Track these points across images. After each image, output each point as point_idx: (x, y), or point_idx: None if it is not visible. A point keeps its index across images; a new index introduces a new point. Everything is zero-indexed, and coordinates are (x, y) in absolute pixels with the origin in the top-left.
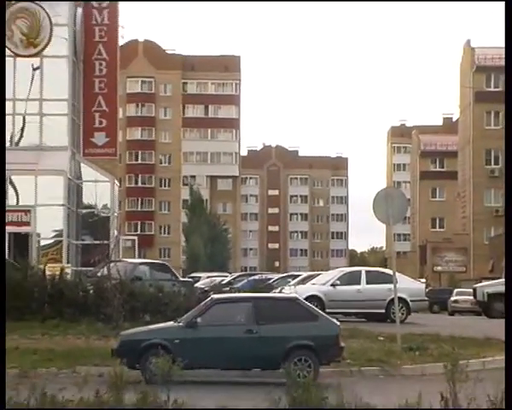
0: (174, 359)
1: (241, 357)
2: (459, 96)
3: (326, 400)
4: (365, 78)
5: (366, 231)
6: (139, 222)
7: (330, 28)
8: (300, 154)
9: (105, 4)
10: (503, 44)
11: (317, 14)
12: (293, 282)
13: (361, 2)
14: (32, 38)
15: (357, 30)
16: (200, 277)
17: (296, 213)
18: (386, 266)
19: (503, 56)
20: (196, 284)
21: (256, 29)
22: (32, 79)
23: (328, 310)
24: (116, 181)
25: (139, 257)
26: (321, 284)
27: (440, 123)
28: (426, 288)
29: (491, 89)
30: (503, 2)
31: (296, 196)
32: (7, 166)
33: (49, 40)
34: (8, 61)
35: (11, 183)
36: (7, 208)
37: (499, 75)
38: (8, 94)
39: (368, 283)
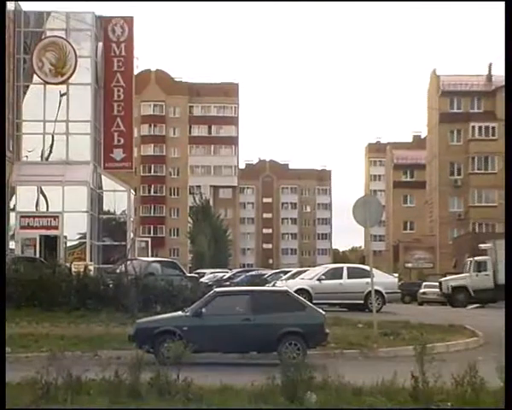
0: (183, 343)
1: (240, 342)
2: (427, 116)
3: (314, 379)
4: (346, 101)
5: (347, 233)
6: (152, 226)
7: (312, 61)
8: (290, 167)
9: (122, 39)
10: (464, 72)
11: (298, 49)
12: (284, 277)
13: (340, 32)
14: (60, 68)
15: (338, 60)
16: (204, 273)
17: (287, 218)
18: (364, 263)
19: (465, 82)
20: (201, 279)
21: (252, 61)
22: (60, 103)
23: (314, 301)
24: (132, 191)
25: (152, 256)
26: (308, 278)
27: (411, 140)
28: (398, 282)
29: (455, 110)
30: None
31: (287, 203)
32: (39, 179)
33: (74, 70)
34: (39, 87)
35: (42, 192)
36: (38, 214)
37: (461, 99)
38: (39, 116)
39: (349, 277)
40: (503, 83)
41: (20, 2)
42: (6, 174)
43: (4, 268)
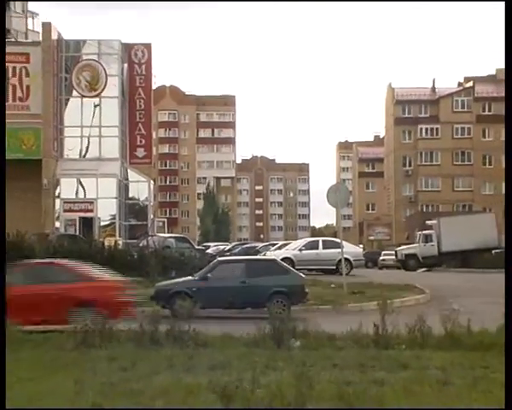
0: (193, 301)
1: (237, 300)
2: (384, 120)
3: (296, 328)
4: (321, 109)
5: (322, 213)
6: (167, 209)
7: (293, 79)
8: (277, 161)
9: (143, 61)
10: (414, 85)
11: (282, 69)
12: (272, 248)
13: (315, 55)
14: (94, 85)
15: (314, 78)
16: (209, 245)
17: (274, 202)
18: (335, 237)
19: (414, 93)
20: (207, 251)
21: (245, 79)
22: (94, 112)
23: (296, 267)
24: (151, 181)
25: (167, 233)
26: (292, 249)
27: (372, 139)
28: (363, 251)
29: (406, 115)
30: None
31: (274, 190)
32: (78, 172)
33: (105, 86)
34: (77, 100)
35: (80, 183)
36: (78, 200)
37: (411, 106)
38: (77, 122)
39: (323, 248)
40: (445, 93)
41: (61, 32)
42: (50, 170)
43: (4, 268)
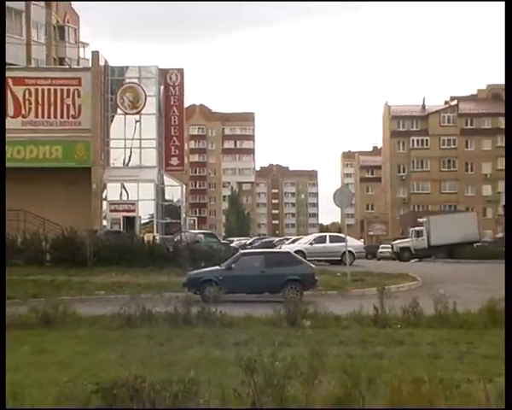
0: (219, 288)
1: (257, 286)
2: (382, 133)
3: (307, 310)
4: (328, 124)
5: (329, 212)
6: (197, 209)
7: (304, 97)
8: (290, 168)
9: (176, 83)
10: (408, 103)
11: (294, 90)
12: (287, 242)
13: (322, 76)
14: (135, 104)
15: (322, 96)
16: (233, 240)
17: (288, 203)
18: (340, 232)
19: (407, 110)
20: (231, 245)
21: (263, 99)
22: (135, 127)
23: (307, 258)
24: (184, 185)
25: (197, 229)
26: (303, 243)
27: (371, 149)
28: (363, 245)
29: (400, 129)
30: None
31: (288, 192)
32: (122, 178)
33: (144, 105)
34: (121, 117)
35: (123, 187)
36: (122, 202)
37: (404, 121)
38: (121, 136)
39: (330, 242)
40: (434, 110)
41: (107, 59)
42: (98, 176)
43: (4, 267)
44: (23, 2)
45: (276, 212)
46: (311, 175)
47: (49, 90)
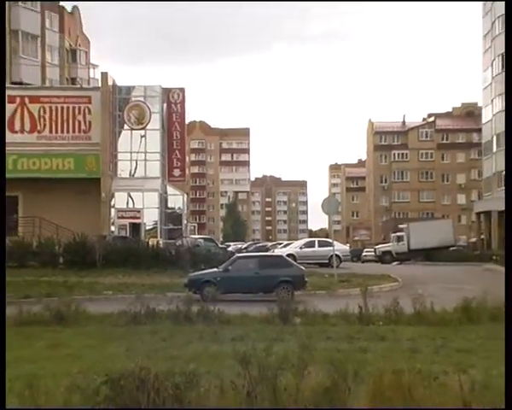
0: (218, 288)
1: (252, 287)
2: (366, 147)
3: (298, 309)
4: (317, 138)
5: (317, 219)
6: (197, 216)
7: (294, 115)
8: (282, 179)
9: (178, 101)
10: (389, 120)
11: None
12: (279, 246)
13: (310, 96)
14: (140, 120)
15: (310, 113)
16: (230, 244)
17: (280, 210)
18: (328, 237)
19: (388, 126)
20: (228, 249)
21: (257, 116)
22: (140, 141)
23: (298, 261)
24: (185, 194)
25: (197, 234)
26: (294, 247)
27: (356, 161)
28: (349, 249)
29: (382, 143)
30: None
31: (280, 201)
32: (128, 188)
33: (149, 121)
34: (128, 132)
35: (130, 196)
36: (128, 209)
37: (386, 136)
38: (128, 149)
39: (319, 246)
40: (413, 126)
41: (115, 79)
42: (107, 186)
43: (4, 267)
44: (39, 28)
45: (270, 219)
46: (302, 185)
47: (62, 107)
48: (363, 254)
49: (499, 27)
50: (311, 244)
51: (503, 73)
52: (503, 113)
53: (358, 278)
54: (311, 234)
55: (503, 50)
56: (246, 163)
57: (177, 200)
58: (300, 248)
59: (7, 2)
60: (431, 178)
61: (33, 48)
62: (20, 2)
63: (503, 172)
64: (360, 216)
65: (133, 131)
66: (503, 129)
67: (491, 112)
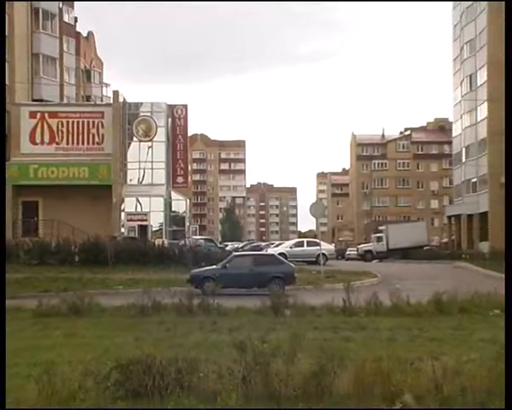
0: (216, 283)
1: (247, 282)
2: (350, 157)
3: (288, 302)
4: (306, 149)
5: (306, 222)
6: (199, 218)
7: (286, 123)
8: (274, 186)
9: (182, 116)
10: (370, 133)
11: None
12: (272, 246)
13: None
14: (148, 133)
15: (302, 124)
16: (227, 244)
17: (272, 214)
18: (315, 238)
19: (369, 138)
20: (226, 248)
21: (252, 129)
22: (148, 152)
23: (289, 259)
24: (188, 199)
25: (198, 235)
26: (285, 247)
27: (341, 170)
28: (334, 248)
29: (364, 154)
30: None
31: (273, 205)
32: (137, 193)
33: (155, 134)
34: (136, 143)
35: (138, 201)
36: (136, 213)
37: (368, 147)
38: (136, 159)
39: (307, 246)
40: (391, 138)
41: (125, 97)
42: (118, 192)
43: (4, 267)
44: (57, 51)
45: (263, 221)
46: (292, 191)
47: (77, 122)
48: (347, 252)
49: (467, 52)
50: (300, 244)
51: (472, 92)
52: (472, 127)
53: (342, 275)
54: (300, 235)
55: (471, 72)
56: (242, 171)
57: (180, 204)
58: (291, 247)
59: (28, 27)
60: (407, 185)
61: (52, 69)
62: (41, 29)
63: (472, 180)
64: (344, 219)
65: (141, 143)
66: (472, 141)
67: (461, 126)
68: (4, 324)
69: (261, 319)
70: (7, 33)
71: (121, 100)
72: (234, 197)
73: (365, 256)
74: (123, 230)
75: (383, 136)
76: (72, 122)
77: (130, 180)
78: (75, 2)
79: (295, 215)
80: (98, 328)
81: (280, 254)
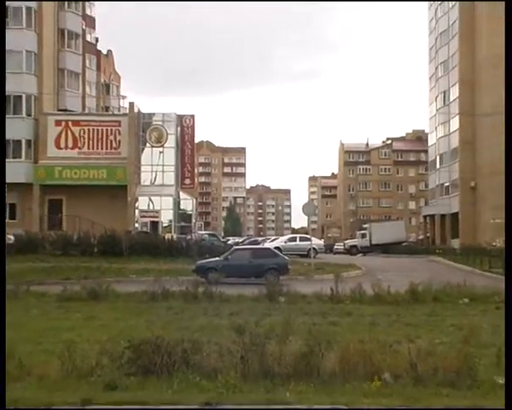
0: (219, 273)
1: (246, 273)
2: (338, 162)
3: (282, 290)
4: (298, 156)
5: (298, 219)
6: (204, 216)
7: (281, 132)
8: (271, 188)
9: (189, 125)
10: (356, 141)
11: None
12: (268, 241)
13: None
14: (159, 139)
15: (296, 133)
16: (229, 239)
17: (269, 212)
18: (307, 234)
19: (355, 147)
20: (228, 242)
21: (252, 137)
22: (159, 156)
23: (283, 253)
24: (194, 199)
25: (203, 231)
26: (280, 241)
27: (330, 174)
28: (323, 243)
29: (350, 160)
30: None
31: (269, 205)
32: (149, 193)
33: (166, 140)
34: (149, 149)
35: (150, 200)
36: (149, 210)
37: (354, 154)
38: (149, 162)
39: (300, 241)
40: (374, 147)
41: (140, 107)
42: (132, 192)
43: (4, 266)
44: (80, 67)
45: (261, 219)
46: (286, 193)
47: (97, 129)
48: (335, 247)
49: (441, 71)
50: (293, 239)
51: (445, 107)
52: (445, 138)
53: (331, 267)
54: (294, 231)
55: (444, 89)
56: (242, 175)
57: (187, 203)
58: (285, 242)
59: (55, 46)
60: (388, 189)
61: (76, 83)
62: (66, 47)
63: (445, 184)
64: (333, 217)
65: (153, 149)
66: (445, 150)
67: (436, 137)
68: (4, 324)
69: (258, 305)
70: (36, 51)
71: (136, 110)
72: (235, 197)
73: (351, 251)
74: (137, 225)
75: (367, 144)
76: (93, 130)
77: (144, 181)
78: (97, 25)
79: (289, 214)
80: (114, 312)
81: (275, 247)
